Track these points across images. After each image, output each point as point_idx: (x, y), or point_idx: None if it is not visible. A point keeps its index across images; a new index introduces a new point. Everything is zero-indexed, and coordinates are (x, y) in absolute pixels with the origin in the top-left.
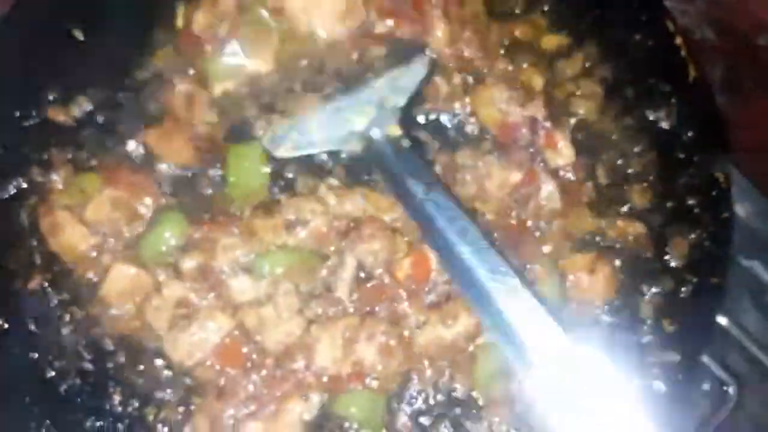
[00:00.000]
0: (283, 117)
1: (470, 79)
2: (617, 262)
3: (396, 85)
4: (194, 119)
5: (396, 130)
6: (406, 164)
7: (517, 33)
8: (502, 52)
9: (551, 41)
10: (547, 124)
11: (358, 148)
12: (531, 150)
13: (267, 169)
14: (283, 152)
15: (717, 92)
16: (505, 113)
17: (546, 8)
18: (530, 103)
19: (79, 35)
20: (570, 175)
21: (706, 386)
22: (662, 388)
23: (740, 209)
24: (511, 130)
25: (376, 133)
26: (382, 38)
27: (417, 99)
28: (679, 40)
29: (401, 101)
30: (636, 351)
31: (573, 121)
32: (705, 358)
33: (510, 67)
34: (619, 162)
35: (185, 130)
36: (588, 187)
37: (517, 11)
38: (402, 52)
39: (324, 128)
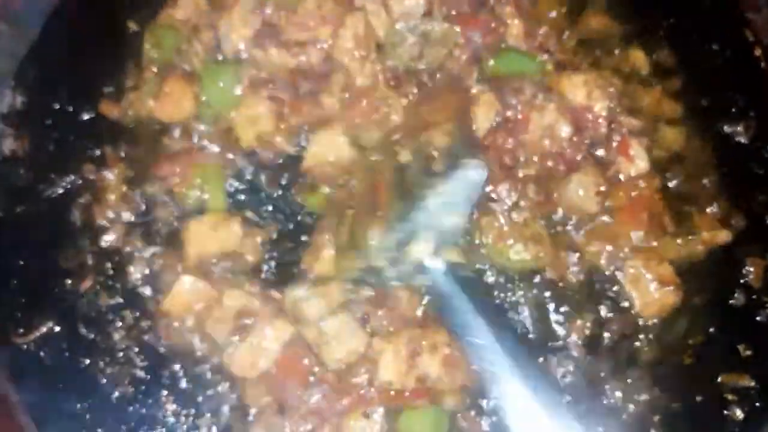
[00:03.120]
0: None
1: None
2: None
3: (452, 201)
4: None
5: (456, 256)
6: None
7: (594, 28)
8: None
9: (634, 55)
10: (624, 130)
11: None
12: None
13: (239, 92)
14: None
15: None
16: (592, 100)
17: (620, 13)
18: (627, 116)
19: (133, 27)
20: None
21: None
22: (739, 415)
23: None
24: (587, 116)
25: (437, 265)
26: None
27: None
28: (758, 52)
29: (461, 219)
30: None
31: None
32: None
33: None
34: (693, 177)
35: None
36: (659, 200)
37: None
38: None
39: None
